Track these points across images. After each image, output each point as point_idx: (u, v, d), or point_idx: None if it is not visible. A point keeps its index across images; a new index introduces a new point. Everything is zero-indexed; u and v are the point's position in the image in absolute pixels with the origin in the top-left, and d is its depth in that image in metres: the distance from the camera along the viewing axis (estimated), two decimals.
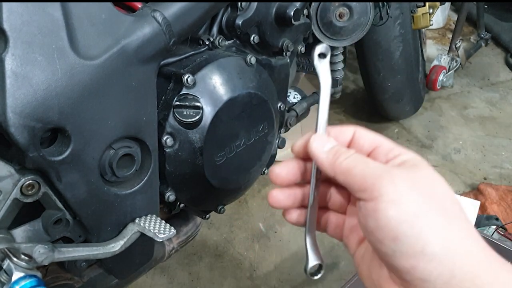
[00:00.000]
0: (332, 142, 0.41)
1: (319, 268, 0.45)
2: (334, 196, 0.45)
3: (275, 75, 0.87)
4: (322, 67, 0.43)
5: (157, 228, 0.65)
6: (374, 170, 0.36)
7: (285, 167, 0.44)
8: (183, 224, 0.91)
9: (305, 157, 0.43)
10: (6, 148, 0.55)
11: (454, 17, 2.43)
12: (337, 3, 1.01)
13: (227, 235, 1.39)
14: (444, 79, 1.73)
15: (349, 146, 0.43)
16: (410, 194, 0.34)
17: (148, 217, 0.68)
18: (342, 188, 0.43)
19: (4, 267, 0.55)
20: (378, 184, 0.35)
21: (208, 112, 0.71)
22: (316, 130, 0.42)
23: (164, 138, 0.68)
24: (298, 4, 0.86)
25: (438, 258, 0.33)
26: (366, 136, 0.43)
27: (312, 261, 0.45)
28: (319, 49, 0.43)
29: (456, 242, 0.34)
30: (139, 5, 0.66)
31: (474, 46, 2.09)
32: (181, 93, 0.69)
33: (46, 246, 0.54)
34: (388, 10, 1.28)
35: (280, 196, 0.44)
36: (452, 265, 0.33)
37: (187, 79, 0.68)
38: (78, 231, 0.63)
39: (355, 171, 0.37)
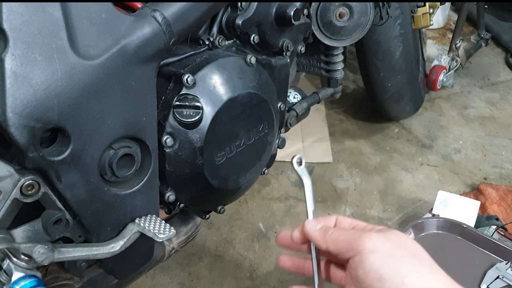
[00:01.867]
0: (321, 223, 0.51)
1: None
2: (333, 272, 0.53)
3: (275, 75, 0.87)
4: (301, 171, 0.54)
5: (157, 228, 0.65)
6: (355, 233, 0.46)
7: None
8: (183, 224, 0.91)
9: (303, 241, 0.53)
10: (6, 148, 0.55)
11: (454, 17, 2.43)
12: (337, 3, 1.01)
13: (227, 235, 1.39)
14: (444, 79, 1.73)
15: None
16: (385, 244, 0.43)
17: (148, 217, 0.68)
18: (338, 266, 0.52)
19: (4, 267, 0.55)
20: (360, 242, 0.44)
21: (208, 112, 0.71)
22: (307, 217, 0.53)
23: (164, 138, 0.68)
24: (298, 4, 0.86)
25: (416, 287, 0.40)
26: (346, 220, 0.52)
27: None
28: (296, 158, 0.54)
29: (428, 276, 0.41)
30: (139, 5, 0.66)
31: (474, 46, 2.09)
32: (181, 93, 0.69)
33: (46, 246, 0.54)
34: (388, 10, 1.28)
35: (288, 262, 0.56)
36: None
37: (187, 79, 0.68)
38: (78, 231, 0.63)
39: (341, 237, 0.46)
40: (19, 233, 0.58)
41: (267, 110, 0.82)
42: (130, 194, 0.65)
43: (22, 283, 0.53)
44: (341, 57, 1.17)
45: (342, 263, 0.51)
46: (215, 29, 0.80)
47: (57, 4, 0.51)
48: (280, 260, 0.55)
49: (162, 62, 0.70)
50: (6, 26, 0.47)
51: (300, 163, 0.54)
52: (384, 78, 1.48)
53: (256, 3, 0.80)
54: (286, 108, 0.98)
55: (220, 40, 0.79)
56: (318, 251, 0.52)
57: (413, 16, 1.45)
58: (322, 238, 0.48)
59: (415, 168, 1.63)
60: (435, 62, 1.77)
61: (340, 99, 1.38)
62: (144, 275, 0.88)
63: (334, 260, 0.52)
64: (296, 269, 0.55)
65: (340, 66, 1.18)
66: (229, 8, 0.80)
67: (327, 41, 1.05)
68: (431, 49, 2.30)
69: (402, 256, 0.42)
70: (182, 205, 0.82)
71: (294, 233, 0.53)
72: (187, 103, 0.69)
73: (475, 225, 1.20)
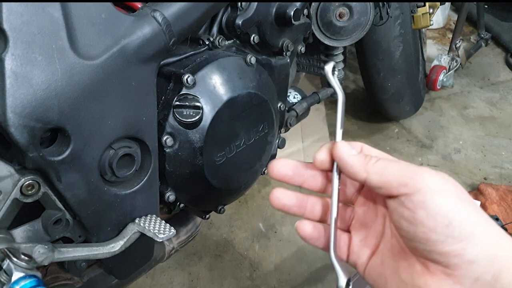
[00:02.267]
0: (355, 149, 0.43)
1: (347, 282, 0.45)
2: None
3: (275, 75, 0.87)
4: (336, 82, 0.47)
5: (157, 228, 0.65)
6: (409, 167, 0.39)
7: (287, 165, 0.46)
8: (183, 224, 0.91)
9: (328, 167, 0.45)
10: (6, 148, 0.55)
11: (454, 17, 2.43)
12: (337, 3, 1.01)
13: (227, 235, 1.39)
14: (444, 79, 1.73)
15: None
16: (448, 185, 0.37)
17: (148, 217, 0.68)
18: (345, 206, 0.47)
19: (4, 267, 0.55)
20: (419, 177, 0.37)
21: (208, 112, 0.71)
22: (336, 139, 0.44)
23: (164, 138, 0.68)
24: (298, 4, 0.86)
25: (484, 239, 0.36)
26: (372, 150, 0.45)
27: (343, 279, 0.44)
28: (330, 65, 0.47)
29: (495, 226, 0.37)
30: (139, 5, 0.66)
31: (474, 46, 2.09)
32: (181, 93, 0.69)
33: (46, 246, 0.54)
34: (388, 10, 1.28)
35: (283, 197, 0.46)
36: (495, 246, 0.36)
37: (187, 79, 0.68)
38: (78, 231, 0.63)
39: (391, 169, 0.39)
40: (19, 233, 0.58)
41: (267, 110, 0.82)
42: (130, 194, 0.65)
43: (22, 283, 0.53)
44: (341, 57, 1.17)
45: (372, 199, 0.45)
46: (215, 29, 0.80)
47: (57, 4, 0.51)
48: (273, 197, 0.46)
49: (162, 62, 0.70)
50: (6, 26, 0.47)
51: (333, 72, 0.47)
52: (384, 78, 1.48)
53: (256, 3, 0.80)
54: (286, 108, 0.98)
55: (220, 40, 0.79)
56: (340, 180, 0.45)
57: (413, 16, 1.45)
58: (363, 166, 0.41)
59: None
60: (435, 62, 1.77)
61: None
62: (144, 275, 0.88)
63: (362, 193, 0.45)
64: (297, 208, 0.47)
65: (340, 66, 1.18)
66: (229, 8, 0.80)
67: (327, 41, 1.05)
68: (431, 49, 2.30)
69: (467, 201, 0.37)
70: (182, 205, 0.82)
71: (319, 155, 0.44)
72: (187, 103, 0.69)
73: None
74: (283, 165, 0.46)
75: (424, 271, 0.39)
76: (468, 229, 0.36)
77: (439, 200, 0.37)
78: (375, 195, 0.45)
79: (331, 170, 0.45)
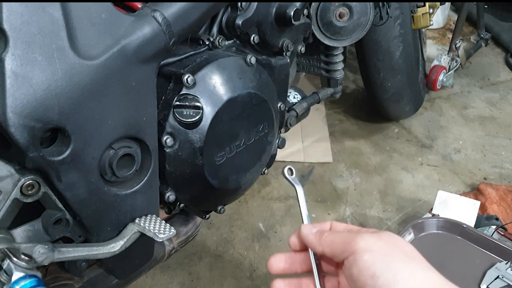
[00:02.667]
0: (316, 228, 0.52)
1: None
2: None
3: (275, 75, 0.88)
4: (292, 180, 0.57)
5: (157, 228, 0.65)
6: (349, 235, 0.47)
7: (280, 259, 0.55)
8: (183, 224, 0.91)
9: (301, 248, 0.54)
10: (6, 148, 0.55)
11: (454, 17, 2.43)
12: (337, 3, 1.01)
13: (227, 235, 1.39)
14: (444, 79, 1.73)
15: None
16: (378, 243, 0.44)
17: (148, 217, 0.68)
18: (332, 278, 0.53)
19: (4, 267, 0.55)
20: (353, 242, 0.45)
21: (208, 112, 0.71)
22: (303, 222, 0.54)
23: (164, 138, 0.68)
24: (298, 4, 0.86)
25: (408, 283, 0.41)
26: (340, 225, 0.53)
27: None
28: (286, 169, 0.57)
29: (419, 272, 0.42)
30: (139, 5, 0.66)
31: (474, 46, 2.09)
32: (181, 93, 0.69)
33: (46, 246, 0.54)
34: (388, 10, 1.28)
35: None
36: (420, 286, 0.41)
37: (187, 79, 0.68)
38: (78, 231, 0.63)
39: (336, 240, 0.48)
40: (19, 233, 0.58)
41: (267, 110, 0.82)
42: (130, 194, 0.65)
43: (22, 283, 0.53)
44: (341, 57, 1.17)
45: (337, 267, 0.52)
46: (215, 29, 0.80)
47: (57, 4, 0.51)
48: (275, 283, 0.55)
49: (162, 62, 0.70)
50: (6, 26, 0.47)
51: (291, 173, 0.57)
52: (384, 78, 1.48)
53: (256, 3, 0.80)
54: (286, 108, 0.98)
55: (220, 40, 0.79)
56: (317, 256, 0.53)
57: (413, 16, 1.46)
58: (318, 241, 0.50)
59: (415, 168, 1.63)
60: (435, 62, 1.77)
61: (340, 99, 1.38)
62: (144, 275, 0.88)
63: (331, 263, 0.53)
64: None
65: (340, 66, 1.18)
66: (229, 8, 0.80)
67: (327, 41, 1.05)
68: (431, 49, 2.30)
69: (393, 253, 0.44)
70: (182, 205, 0.82)
71: (291, 239, 0.54)
72: (187, 103, 0.69)
73: (475, 225, 1.20)
74: (277, 260, 0.55)
75: None
76: (390, 276, 0.41)
77: (365, 256, 0.43)
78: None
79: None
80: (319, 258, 0.53)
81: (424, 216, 1.24)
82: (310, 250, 0.52)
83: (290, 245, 0.54)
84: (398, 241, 0.46)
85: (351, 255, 0.45)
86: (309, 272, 0.53)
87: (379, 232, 0.47)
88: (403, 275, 0.41)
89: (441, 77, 1.70)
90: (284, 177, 0.56)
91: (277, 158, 1.00)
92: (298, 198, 0.56)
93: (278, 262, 0.55)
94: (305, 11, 0.97)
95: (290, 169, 0.57)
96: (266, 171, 0.94)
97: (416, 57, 1.53)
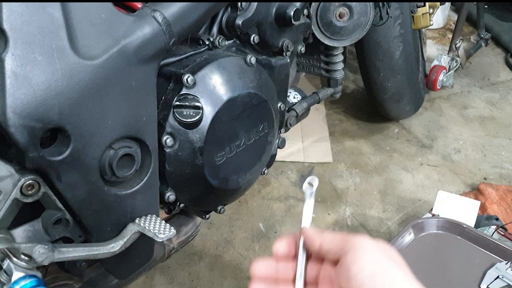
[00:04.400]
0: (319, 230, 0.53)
1: None
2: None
3: (275, 75, 0.88)
4: (310, 193, 0.56)
5: (157, 228, 0.65)
6: (348, 235, 0.49)
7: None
8: (183, 224, 0.91)
9: (285, 253, 0.54)
10: (6, 148, 0.55)
11: (454, 17, 2.43)
12: (337, 3, 1.01)
13: (227, 235, 1.39)
14: (444, 79, 1.73)
15: None
16: (377, 247, 0.46)
17: (148, 217, 0.68)
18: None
19: (4, 267, 0.55)
20: (354, 240, 0.47)
21: (208, 112, 0.71)
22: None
23: (164, 138, 0.68)
24: (298, 4, 0.86)
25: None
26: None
27: None
28: (308, 179, 0.56)
29: (415, 281, 0.44)
30: (139, 5, 0.66)
31: (474, 46, 2.09)
32: (181, 93, 0.69)
33: (46, 246, 0.54)
34: (388, 10, 1.28)
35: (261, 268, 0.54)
36: None
37: (187, 79, 0.68)
38: (78, 231, 0.63)
39: (336, 238, 0.49)
40: (19, 233, 0.58)
41: (267, 110, 0.82)
42: (130, 194, 0.65)
43: (22, 283, 0.53)
44: (341, 57, 1.17)
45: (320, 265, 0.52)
46: (215, 29, 0.80)
47: (57, 4, 0.51)
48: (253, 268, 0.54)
49: (162, 62, 0.70)
50: (6, 26, 0.47)
51: (311, 186, 0.57)
52: (384, 78, 1.48)
53: (256, 3, 0.80)
54: (286, 108, 0.98)
55: (220, 40, 0.79)
56: (306, 260, 0.53)
57: (413, 16, 1.45)
58: (318, 236, 0.50)
59: (415, 168, 1.63)
60: (435, 62, 1.77)
61: (340, 99, 1.38)
62: (144, 275, 0.88)
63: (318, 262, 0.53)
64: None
65: (340, 66, 1.18)
66: (229, 8, 0.80)
67: (327, 41, 1.05)
68: (431, 49, 2.30)
69: (390, 259, 0.45)
70: (182, 205, 0.82)
71: (275, 245, 0.54)
72: (187, 103, 0.69)
73: (475, 225, 1.20)
74: (260, 265, 0.53)
75: None
76: (390, 278, 0.43)
77: (366, 256, 0.45)
78: (329, 275, 0.51)
79: (292, 256, 0.54)
80: (307, 261, 0.53)
81: (424, 216, 1.24)
82: (300, 247, 0.52)
83: (273, 251, 0.54)
84: (391, 249, 0.48)
85: (350, 252, 0.46)
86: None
87: (376, 239, 0.48)
88: (401, 280, 0.43)
89: (441, 77, 1.70)
90: (300, 186, 0.56)
91: (277, 158, 1.00)
92: (303, 209, 0.55)
93: (260, 267, 0.54)
94: (305, 11, 0.97)
95: (312, 181, 0.56)
96: (266, 171, 0.94)
97: (416, 57, 1.53)
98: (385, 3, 1.26)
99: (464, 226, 1.12)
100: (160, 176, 0.70)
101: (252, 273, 0.53)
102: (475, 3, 2.07)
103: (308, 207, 0.55)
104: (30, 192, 0.54)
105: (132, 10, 0.66)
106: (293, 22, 0.82)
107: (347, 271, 0.45)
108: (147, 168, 0.66)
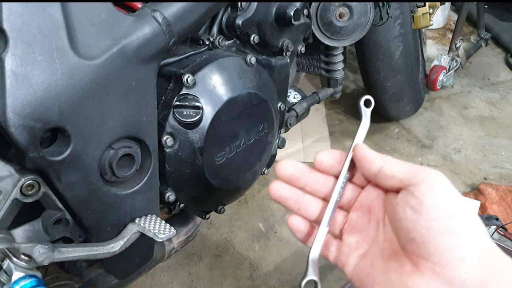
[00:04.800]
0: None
1: (315, 285, 0.47)
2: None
3: (275, 75, 0.88)
4: (366, 113, 0.51)
5: (157, 228, 0.65)
6: (417, 165, 0.42)
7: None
8: (183, 224, 0.91)
9: (327, 169, 0.48)
10: (6, 148, 0.55)
11: (454, 17, 2.43)
12: (337, 3, 1.01)
13: (227, 235, 1.39)
14: (444, 79, 1.73)
15: None
16: (453, 188, 0.41)
17: (148, 217, 0.68)
18: (338, 211, 0.49)
19: (4, 267, 0.55)
20: (428, 172, 0.41)
21: (208, 112, 0.71)
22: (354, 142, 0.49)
23: (164, 138, 0.68)
24: (298, 4, 0.86)
25: (477, 240, 0.38)
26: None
27: (310, 276, 0.47)
28: (363, 99, 0.51)
29: (484, 230, 0.39)
30: (139, 5, 0.66)
31: (474, 46, 2.09)
32: (181, 93, 0.69)
33: (46, 246, 0.54)
34: (388, 10, 1.28)
35: (282, 189, 0.48)
36: (485, 248, 0.38)
37: (187, 79, 0.68)
38: (78, 231, 0.63)
39: (403, 164, 0.43)
40: (19, 233, 0.58)
41: (267, 110, 0.82)
42: (130, 194, 0.65)
43: (22, 283, 0.53)
44: (341, 57, 1.17)
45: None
46: (215, 29, 0.80)
47: (57, 4, 0.51)
48: (274, 188, 0.48)
49: (162, 62, 0.70)
50: (6, 26, 0.47)
51: (368, 105, 0.51)
52: (384, 78, 1.48)
53: (256, 3, 0.80)
54: (286, 108, 0.98)
55: (220, 40, 0.79)
56: (347, 179, 0.48)
57: (413, 16, 1.46)
58: (381, 157, 0.44)
59: None
60: (435, 62, 1.77)
61: (340, 99, 1.37)
62: (144, 275, 0.88)
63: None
64: (293, 202, 0.49)
65: (340, 66, 1.18)
66: (229, 8, 0.80)
67: (327, 41, 1.05)
68: (431, 49, 2.30)
69: (465, 201, 0.40)
70: (182, 205, 0.82)
71: (320, 155, 0.48)
72: (187, 103, 0.69)
73: None
74: (290, 165, 0.48)
75: (413, 271, 0.40)
76: (466, 225, 0.38)
77: (446, 192, 0.39)
78: (370, 203, 0.47)
79: (333, 174, 0.48)
80: (349, 178, 0.48)
81: None
82: (346, 164, 0.47)
83: (315, 161, 0.48)
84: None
85: (425, 183, 0.40)
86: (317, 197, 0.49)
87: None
88: (475, 230, 0.38)
89: (441, 77, 1.70)
90: (359, 106, 0.50)
91: (277, 158, 1.00)
92: (358, 129, 0.50)
93: (291, 167, 0.48)
94: (305, 11, 0.97)
95: (369, 100, 0.51)
96: (266, 171, 0.94)
97: (416, 57, 1.53)
98: (385, 3, 1.26)
99: None
100: (160, 176, 0.70)
101: (278, 171, 0.47)
102: (475, 3, 2.07)
103: (364, 127, 0.50)
104: (30, 192, 0.54)
105: (132, 10, 0.66)
106: (293, 22, 0.82)
107: (418, 203, 0.39)
108: (147, 168, 0.66)
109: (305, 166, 0.48)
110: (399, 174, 0.42)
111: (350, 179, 0.49)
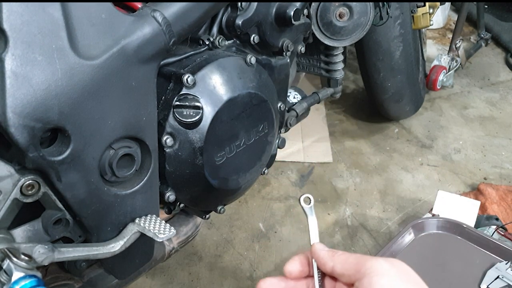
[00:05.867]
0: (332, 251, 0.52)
1: None
2: None
3: (275, 75, 0.88)
4: (308, 210, 0.57)
5: (157, 228, 0.65)
6: (362, 257, 0.47)
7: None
8: (183, 224, 0.91)
9: (297, 275, 0.52)
10: (6, 148, 0.55)
11: (454, 17, 2.43)
12: (337, 3, 1.01)
13: (227, 235, 1.39)
14: (444, 79, 1.73)
15: None
16: (392, 269, 0.44)
17: (148, 217, 0.68)
18: None
19: (4, 267, 0.55)
20: (369, 264, 0.45)
21: (208, 112, 0.71)
22: (311, 242, 0.55)
23: (164, 138, 0.68)
24: (298, 4, 0.86)
25: None
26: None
27: None
28: (303, 197, 0.57)
29: None
30: (139, 5, 0.66)
31: (474, 46, 2.09)
32: (181, 93, 0.69)
33: (46, 246, 0.54)
34: (388, 10, 1.28)
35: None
36: None
37: (187, 79, 0.68)
38: (78, 231, 0.63)
39: (349, 259, 0.47)
40: (19, 233, 0.58)
41: (267, 110, 0.82)
42: (130, 194, 0.65)
43: (22, 283, 0.53)
44: (341, 57, 1.17)
45: None
46: (215, 29, 0.80)
47: (57, 4, 0.51)
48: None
49: (162, 62, 0.70)
50: (6, 26, 0.47)
51: (309, 202, 0.57)
52: (384, 78, 1.48)
53: (256, 3, 0.80)
54: (286, 108, 0.98)
55: (220, 40, 0.79)
56: (322, 278, 0.52)
57: (413, 16, 1.46)
58: (331, 257, 0.49)
59: (415, 168, 1.63)
60: (435, 62, 1.77)
61: (340, 99, 1.38)
62: (144, 275, 0.88)
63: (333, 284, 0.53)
64: None
65: (340, 66, 1.18)
66: (229, 8, 0.80)
67: (327, 41, 1.05)
68: (431, 49, 2.30)
69: (407, 281, 0.44)
70: (182, 205, 0.82)
71: (287, 266, 0.52)
72: (187, 103, 0.69)
73: (475, 225, 1.20)
74: (268, 284, 0.53)
75: None
76: None
77: (382, 281, 0.43)
78: None
79: (308, 275, 0.53)
80: (322, 278, 0.52)
81: (424, 216, 1.24)
82: (314, 267, 0.51)
83: (285, 272, 0.53)
84: (408, 268, 0.46)
85: (365, 277, 0.44)
86: None
87: (390, 259, 0.47)
88: None
89: (441, 77, 1.70)
90: (300, 205, 0.57)
91: (277, 158, 1.00)
92: (309, 228, 0.56)
93: (270, 286, 0.53)
94: (305, 11, 0.97)
95: (308, 198, 0.57)
96: (266, 171, 0.94)
97: (416, 57, 1.53)
98: (385, 3, 1.26)
99: (464, 226, 1.12)
100: (160, 176, 0.70)
101: None
102: (475, 3, 2.07)
103: (313, 224, 0.55)
104: (30, 192, 0.54)
105: (132, 10, 0.66)
106: (293, 22, 0.82)
107: None
108: (147, 168, 0.66)
109: (281, 278, 0.53)
110: (346, 271, 0.46)
111: (324, 275, 0.52)
